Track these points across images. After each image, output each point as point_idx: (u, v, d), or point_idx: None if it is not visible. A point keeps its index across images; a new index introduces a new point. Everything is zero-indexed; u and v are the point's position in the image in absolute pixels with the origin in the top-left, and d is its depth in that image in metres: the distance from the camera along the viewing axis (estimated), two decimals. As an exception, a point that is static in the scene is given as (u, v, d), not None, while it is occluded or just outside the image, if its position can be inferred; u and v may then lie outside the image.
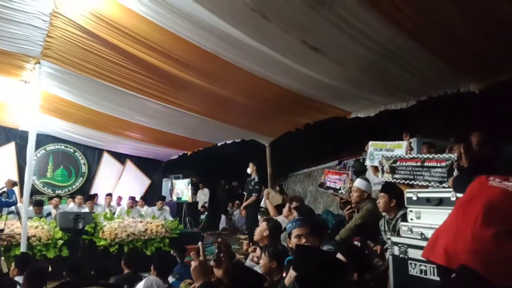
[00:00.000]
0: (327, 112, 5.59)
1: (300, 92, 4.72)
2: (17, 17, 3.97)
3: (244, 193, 7.24)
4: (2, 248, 5.11)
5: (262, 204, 6.10)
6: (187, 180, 9.56)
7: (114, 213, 7.56)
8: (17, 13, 3.90)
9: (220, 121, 6.55)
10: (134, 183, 10.13)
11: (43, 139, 8.96)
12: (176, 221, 7.41)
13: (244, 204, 6.83)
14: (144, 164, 10.40)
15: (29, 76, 5.59)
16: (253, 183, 6.73)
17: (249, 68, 4.23)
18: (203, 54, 4.01)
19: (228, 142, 8.06)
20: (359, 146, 6.48)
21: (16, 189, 5.36)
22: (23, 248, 5.03)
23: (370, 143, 4.08)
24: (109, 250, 6.16)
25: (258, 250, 2.97)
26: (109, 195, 8.68)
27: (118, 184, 9.92)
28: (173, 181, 10.42)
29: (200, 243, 1.69)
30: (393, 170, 3.06)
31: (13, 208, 6.13)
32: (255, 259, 2.99)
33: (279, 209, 5.03)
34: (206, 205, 11.32)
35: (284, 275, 2.40)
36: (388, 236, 2.86)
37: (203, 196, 11.94)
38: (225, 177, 12.46)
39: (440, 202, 2.47)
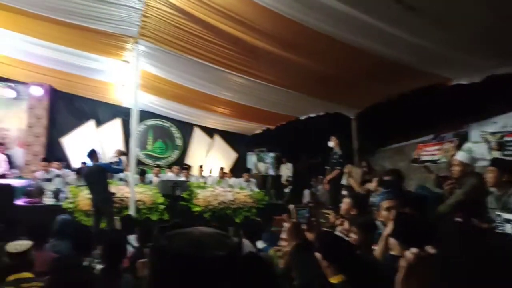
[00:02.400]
0: (424, 80, 5.10)
1: (393, 59, 4.37)
2: (115, -1, 4.33)
3: (327, 167, 7.12)
4: (115, 209, 5.88)
5: (343, 182, 5.93)
6: (271, 155, 9.76)
7: (205, 183, 8.12)
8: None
9: (304, 94, 6.46)
10: (222, 156, 10.71)
11: (143, 115, 9.80)
12: (262, 193, 7.67)
13: (327, 178, 6.73)
14: (231, 138, 10.88)
15: (129, 56, 6.15)
16: (335, 156, 6.56)
17: (336, 35, 4.04)
18: (289, 24, 3.94)
19: (312, 115, 7.94)
20: (459, 117, 5.81)
21: (123, 158, 6.06)
22: (132, 210, 5.72)
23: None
24: (203, 216, 6.69)
25: (346, 223, 2.92)
26: (201, 166, 9.31)
27: (208, 156, 10.60)
28: (257, 155, 10.74)
29: (292, 205, 1.71)
30: (501, 146, 2.71)
31: (121, 175, 6.99)
32: (344, 231, 2.94)
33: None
34: (290, 179, 11.43)
35: (374, 247, 2.33)
36: (498, 213, 2.55)
37: (287, 170, 12.03)
38: (308, 151, 12.37)
39: None
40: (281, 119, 8.93)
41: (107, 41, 5.59)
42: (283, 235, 1.99)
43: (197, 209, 6.74)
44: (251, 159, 11.00)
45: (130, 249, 3.65)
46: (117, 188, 6.29)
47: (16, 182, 6.73)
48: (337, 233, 2.64)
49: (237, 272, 0.73)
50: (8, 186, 6.26)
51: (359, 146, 7.14)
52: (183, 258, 0.67)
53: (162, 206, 6.53)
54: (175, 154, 10.50)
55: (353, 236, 2.47)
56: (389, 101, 6.11)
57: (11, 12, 4.96)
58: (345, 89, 5.92)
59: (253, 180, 8.71)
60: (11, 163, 8.03)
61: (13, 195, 6.17)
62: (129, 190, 5.96)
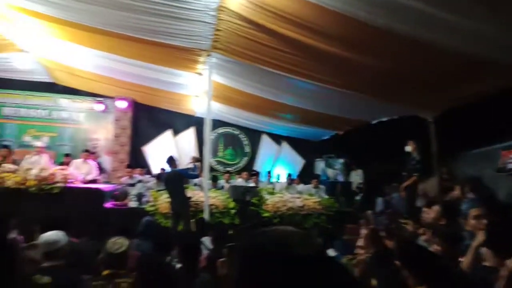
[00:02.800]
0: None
1: (476, 56, 4.01)
2: (190, 15, 4.63)
3: (404, 173, 6.72)
4: (191, 213, 6.22)
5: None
6: (340, 161, 9.53)
7: (273, 189, 8.19)
8: (189, 11, 4.54)
9: (375, 97, 6.20)
10: (289, 162, 10.74)
11: (214, 123, 10.26)
12: (331, 199, 7.51)
13: (404, 184, 6.36)
14: (298, 144, 10.87)
15: (202, 68, 6.50)
16: (413, 162, 6.18)
17: (408, 33, 3.83)
18: (358, 26, 3.84)
19: (384, 119, 7.58)
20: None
21: (198, 164, 6.40)
22: (206, 214, 6.01)
23: None
24: (272, 221, 6.76)
25: (429, 233, 2.72)
26: (269, 172, 9.43)
27: (275, 163, 10.70)
28: (326, 161, 10.56)
29: (369, 212, 1.66)
30: None
31: (196, 181, 7.37)
32: (428, 241, 2.75)
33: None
34: (360, 186, 11.00)
35: (461, 259, 2.15)
36: None
37: (357, 177, 11.60)
38: (380, 157, 11.80)
39: None
40: (350, 124, 8.68)
41: (183, 56, 5.98)
42: (359, 243, 1.93)
43: (267, 214, 6.83)
44: (319, 165, 10.84)
45: (204, 250, 3.83)
46: (193, 193, 6.65)
47: (105, 187, 7.48)
48: (419, 242, 2.47)
49: (321, 274, 0.73)
50: (99, 190, 6.99)
51: (438, 151, 6.62)
52: (267, 256, 0.68)
53: (233, 211, 6.74)
54: (244, 161, 10.79)
55: (437, 247, 2.30)
56: (471, 102, 5.59)
57: (98, 34, 5.58)
58: (421, 91, 5.56)
59: (322, 186, 8.57)
60: (100, 170, 8.93)
61: (103, 198, 6.87)
62: (203, 195, 6.26)
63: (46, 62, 8.30)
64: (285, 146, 10.94)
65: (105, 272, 2.60)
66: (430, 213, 2.86)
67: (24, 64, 8.05)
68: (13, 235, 3.89)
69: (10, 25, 6.24)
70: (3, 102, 9.71)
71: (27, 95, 9.80)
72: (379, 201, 10.46)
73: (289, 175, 8.86)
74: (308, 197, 7.20)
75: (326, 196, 8.02)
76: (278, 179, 9.63)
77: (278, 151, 10.88)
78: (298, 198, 7.09)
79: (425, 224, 2.94)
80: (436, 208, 2.84)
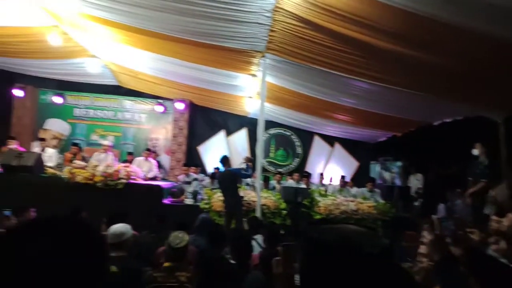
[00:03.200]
0: None
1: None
2: (245, 17, 4.70)
3: (469, 178, 6.25)
4: (243, 212, 6.33)
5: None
6: (397, 164, 9.10)
7: (326, 191, 8.05)
8: (245, 14, 4.61)
9: (440, 97, 5.84)
10: (342, 164, 10.48)
11: (266, 124, 10.28)
12: (388, 204, 7.20)
13: (471, 190, 5.91)
14: (352, 146, 10.58)
15: (256, 69, 6.58)
16: (481, 167, 5.71)
17: (477, 29, 3.56)
18: (420, 22, 3.65)
19: (447, 120, 7.11)
20: None
21: (250, 164, 6.48)
22: (258, 213, 6.07)
23: None
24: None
25: (502, 243, 2.50)
26: (321, 174, 9.28)
27: (328, 164, 10.51)
28: (382, 164, 10.14)
29: (435, 216, 1.57)
30: None
31: (248, 181, 7.48)
32: (495, 251, 2.53)
33: None
34: (420, 191, 10.41)
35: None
36: None
37: (416, 181, 11.00)
38: (442, 161, 11.06)
39: None
40: (409, 126, 8.26)
41: (238, 58, 6.11)
42: (422, 250, 1.84)
43: (318, 216, 6.72)
44: (375, 168, 10.45)
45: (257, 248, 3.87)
46: (245, 192, 6.76)
47: (163, 184, 7.86)
48: (490, 252, 2.28)
49: (386, 275, 0.70)
50: (158, 187, 7.37)
51: (509, 155, 6.06)
52: (334, 252, 0.68)
53: (284, 212, 6.73)
54: (295, 162, 10.73)
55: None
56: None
57: (160, 38, 5.88)
58: (491, 89, 5.14)
59: (377, 190, 8.25)
60: (159, 168, 9.41)
61: (162, 195, 7.24)
62: (256, 195, 6.33)
63: (113, 66, 8.94)
64: (338, 147, 10.70)
65: (166, 264, 2.74)
66: (502, 222, 2.62)
67: (94, 68, 8.75)
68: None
69: (82, 32, 6.83)
70: (75, 104, 10.62)
71: (95, 97, 10.64)
72: (441, 207, 9.81)
73: (343, 177, 8.65)
74: (363, 201, 6.97)
75: (382, 201, 7.70)
76: (331, 182, 9.43)
77: (330, 152, 10.67)
78: (352, 201, 6.88)
79: (498, 232, 2.69)
80: (511, 216, 2.60)
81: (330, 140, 10.71)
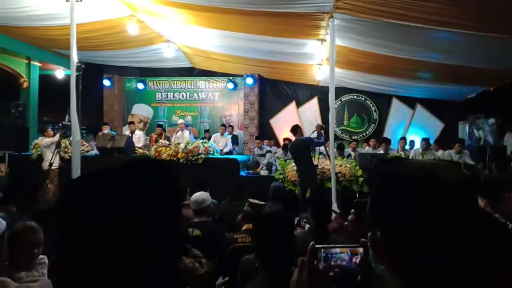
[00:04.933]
0: None
1: None
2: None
3: None
4: (318, 180, 6.31)
5: None
6: (490, 122, 8.13)
7: (407, 157, 7.57)
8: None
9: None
10: (425, 126, 9.75)
11: (338, 91, 9.93)
12: (480, 166, 6.54)
13: None
14: (435, 106, 9.74)
15: (324, 33, 6.32)
16: None
17: None
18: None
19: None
20: None
21: (322, 132, 6.38)
22: (333, 182, 5.98)
23: None
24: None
25: None
26: (403, 138, 8.72)
27: (408, 128, 9.84)
28: (472, 123, 9.16)
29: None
30: None
31: (322, 149, 7.37)
32: None
33: None
34: (519, 151, 9.22)
35: None
36: None
37: (513, 140, 9.77)
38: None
39: None
40: (504, 78, 7.28)
41: (305, 23, 5.93)
42: None
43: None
44: (464, 128, 9.50)
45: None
46: (319, 161, 6.70)
47: (239, 158, 8.17)
48: None
49: (473, 206, 0.63)
50: (235, 160, 7.69)
51: None
52: (412, 184, 0.61)
53: (361, 179, 6.54)
54: (371, 128, 10.26)
55: None
56: None
57: (225, 13, 5.95)
58: None
59: (466, 151, 7.50)
60: (234, 142, 9.77)
61: (239, 167, 7.55)
62: (329, 163, 6.23)
63: (186, 48, 9.36)
64: (420, 109, 9.92)
65: (245, 227, 2.89)
66: None
67: (169, 52, 9.25)
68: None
69: (156, 18, 7.23)
70: (156, 88, 11.44)
71: (173, 80, 11.32)
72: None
73: (425, 139, 8.00)
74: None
75: (472, 162, 7.01)
76: (413, 147, 8.83)
77: (411, 115, 9.95)
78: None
79: None
80: None
81: (410, 102, 9.98)
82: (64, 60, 8.83)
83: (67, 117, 5.90)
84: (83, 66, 5.86)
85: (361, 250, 0.76)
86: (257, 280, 1.62)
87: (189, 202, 3.45)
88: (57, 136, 6.97)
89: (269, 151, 8.59)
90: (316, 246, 0.74)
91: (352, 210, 1.57)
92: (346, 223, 2.21)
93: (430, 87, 8.59)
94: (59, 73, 10.38)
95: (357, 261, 0.78)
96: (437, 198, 0.59)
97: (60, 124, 7.00)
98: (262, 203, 3.10)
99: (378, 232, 0.66)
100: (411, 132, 9.80)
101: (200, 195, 3.37)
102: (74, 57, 5.42)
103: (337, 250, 0.77)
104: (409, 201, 0.61)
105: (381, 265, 0.69)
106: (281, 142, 9.72)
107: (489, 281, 0.67)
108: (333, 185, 5.85)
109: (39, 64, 9.94)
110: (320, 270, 0.73)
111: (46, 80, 10.42)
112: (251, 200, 3.12)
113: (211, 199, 3.48)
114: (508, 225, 1.69)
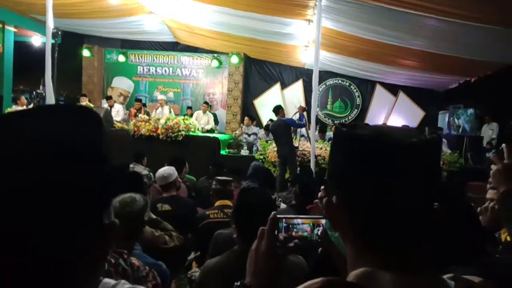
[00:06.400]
0: None
1: None
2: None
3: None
4: (298, 163, 6.32)
5: None
6: (469, 112, 8.28)
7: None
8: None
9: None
10: (406, 115, 9.87)
11: (323, 75, 10.00)
12: (455, 155, 6.69)
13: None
14: (418, 95, 9.85)
15: (312, 13, 6.20)
16: None
17: None
18: None
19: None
20: None
21: (305, 114, 6.35)
22: (312, 164, 6.01)
23: None
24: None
25: None
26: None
27: (390, 115, 9.94)
28: (452, 112, 9.32)
29: (504, 144, 1.38)
30: None
31: (304, 132, 7.37)
32: None
33: None
34: (494, 142, 9.49)
35: None
36: None
37: (490, 131, 10.03)
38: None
39: None
40: (486, 69, 7.38)
41: (292, 1, 5.81)
42: (489, 195, 1.70)
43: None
44: (444, 118, 9.67)
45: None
46: (300, 143, 6.70)
47: (221, 137, 8.09)
48: None
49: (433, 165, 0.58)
50: (216, 139, 7.61)
51: None
52: (369, 142, 0.56)
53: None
54: (354, 113, 10.32)
55: None
56: None
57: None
58: None
59: (444, 140, 7.64)
60: (216, 121, 9.66)
61: (219, 146, 7.48)
62: (310, 145, 6.24)
63: (170, 22, 9.05)
64: (402, 96, 10.01)
65: (217, 203, 2.86)
66: None
67: (152, 25, 8.93)
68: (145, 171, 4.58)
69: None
70: (138, 62, 11.09)
71: (155, 54, 10.99)
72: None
73: (406, 126, 8.11)
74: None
75: (449, 151, 7.16)
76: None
77: (393, 102, 10.03)
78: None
79: None
80: None
81: (393, 89, 10.04)
82: (41, 27, 8.38)
83: (41, 86, 5.67)
84: (59, 33, 5.60)
85: (323, 221, 0.74)
86: (234, 250, 1.61)
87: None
88: (31, 106, 6.70)
89: (255, 133, 8.57)
90: (278, 216, 0.72)
91: (322, 187, 1.54)
92: (316, 200, 2.21)
93: (413, 74, 8.64)
94: (36, 40, 9.89)
95: (319, 232, 0.76)
96: (394, 157, 0.55)
97: (34, 93, 6.73)
98: (229, 178, 3.07)
99: (334, 197, 0.62)
100: (393, 119, 9.91)
101: (165, 170, 3.31)
102: (50, 23, 5.17)
103: (299, 221, 0.76)
104: (366, 160, 0.56)
105: (336, 232, 0.67)
106: (264, 123, 9.67)
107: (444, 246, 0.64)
108: (312, 167, 5.87)
109: (14, 30, 9.45)
110: (281, 240, 0.72)
111: (22, 47, 9.94)
112: (217, 177, 3.09)
113: (176, 173, 3.40)
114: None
